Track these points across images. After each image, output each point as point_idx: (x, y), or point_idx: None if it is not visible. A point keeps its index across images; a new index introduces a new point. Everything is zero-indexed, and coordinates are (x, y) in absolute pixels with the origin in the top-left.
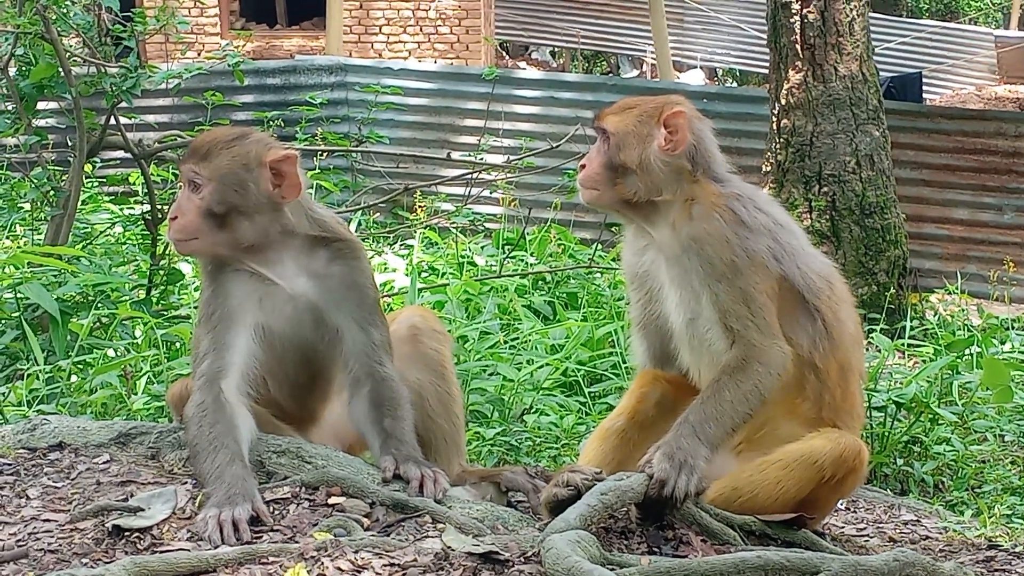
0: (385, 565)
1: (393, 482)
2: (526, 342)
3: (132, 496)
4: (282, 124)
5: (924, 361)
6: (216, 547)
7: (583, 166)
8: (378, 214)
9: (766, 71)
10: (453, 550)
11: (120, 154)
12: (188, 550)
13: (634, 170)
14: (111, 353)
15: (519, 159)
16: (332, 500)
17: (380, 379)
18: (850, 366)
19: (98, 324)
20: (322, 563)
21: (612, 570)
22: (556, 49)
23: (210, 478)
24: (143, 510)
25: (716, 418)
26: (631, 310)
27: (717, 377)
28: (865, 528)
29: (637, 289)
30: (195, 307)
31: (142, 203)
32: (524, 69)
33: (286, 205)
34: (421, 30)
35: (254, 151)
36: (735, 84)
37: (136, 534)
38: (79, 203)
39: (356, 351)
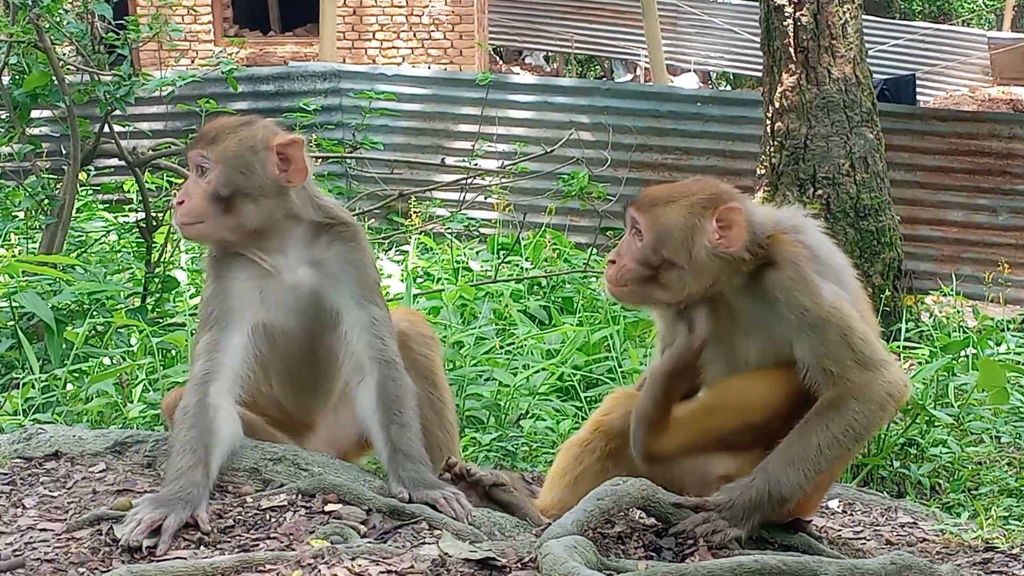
0: (382, 572)
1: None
2: (522, 347)
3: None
4: None
5: (920, 363)
6: (126, 544)
7: (612, 262)
8: (373, 220)
9: (760, 74)
10: (450, 556)
11: (114, 162)
12: (185, 559)
13: (681, 265)
14: (107, 361)
15: (513, 164)
16: (329, 507)
17: (385, 364)
18: None
19: (93, 332)
20: (319, 570)
21: (609, 575)
22: (550, 54)
23: (168, 479)
24: None
25: (799, 462)
26: (660, 342)
27: (807, 418)
28: (862, 531)
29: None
30: (192, 315)
31: (136, 211)
32: (518, 74)
33: (292, 190)
34: (415, 35)
35: (261, 135)
36: (729, 87)
37: None
38: (74, 211)
39: (357, 329)
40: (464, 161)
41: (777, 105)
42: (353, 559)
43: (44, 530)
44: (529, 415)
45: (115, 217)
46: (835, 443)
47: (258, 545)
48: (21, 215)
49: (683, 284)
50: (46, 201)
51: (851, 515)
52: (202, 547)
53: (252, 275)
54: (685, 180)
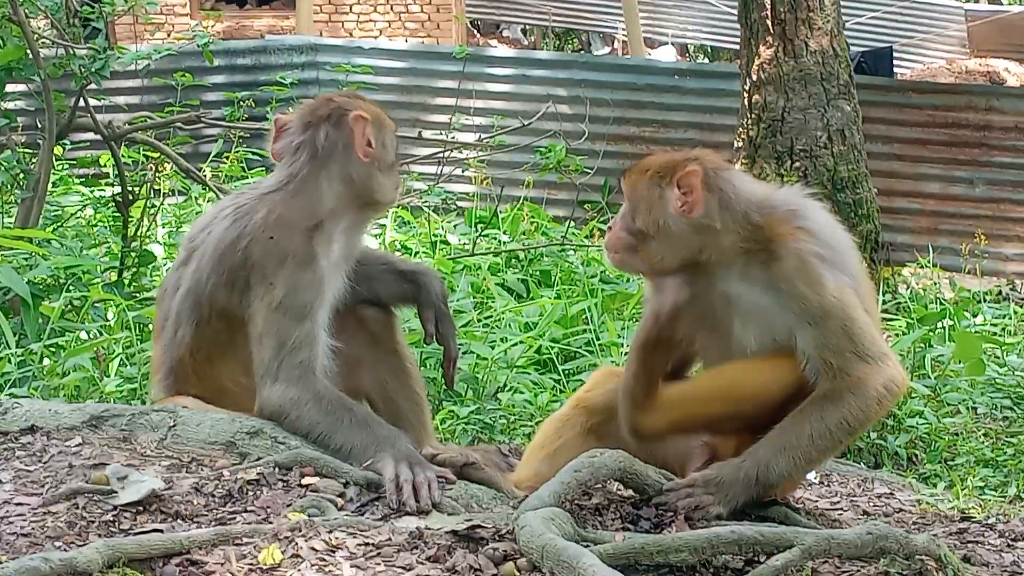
0: (359, 544)
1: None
2: (500, 320)
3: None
4: (253, 105)
5: (897, 335)
6: (421, 511)
7: (610, 227)
8: None
9: (737, 47)
10: (431, 529)
11: (90, 136)
12: (162, 531)
13: (652, 236)
14: (83, 336)
15: (491, 137)
16: (305, 481)
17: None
18: None
19: (70, 307)
20: (296, 543)
21: (586, 546)
22: (527, 27)
23: (386, 440)
24: (115, 493)
25: (790, 450)
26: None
27: (803, 407)
28: (839, 502)
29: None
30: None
31: (113, 185)
32: (495, 47)
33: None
34: (391, 9)
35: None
36: (707, 60)
37: (110, 513)
38: (49, 186)
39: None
40: (442, 134)
41: (755, 78)
42: (330, 532)
43: (20, 504)
44: (507, 388)
45: (91, 191)
46: (827, 434)
47: (235, 519)
48: None
49: (660, 255)
50: (21, 175)
51: (828, 486)
52: (179, 520)
53: (331, 256)
54: (679, 150)
